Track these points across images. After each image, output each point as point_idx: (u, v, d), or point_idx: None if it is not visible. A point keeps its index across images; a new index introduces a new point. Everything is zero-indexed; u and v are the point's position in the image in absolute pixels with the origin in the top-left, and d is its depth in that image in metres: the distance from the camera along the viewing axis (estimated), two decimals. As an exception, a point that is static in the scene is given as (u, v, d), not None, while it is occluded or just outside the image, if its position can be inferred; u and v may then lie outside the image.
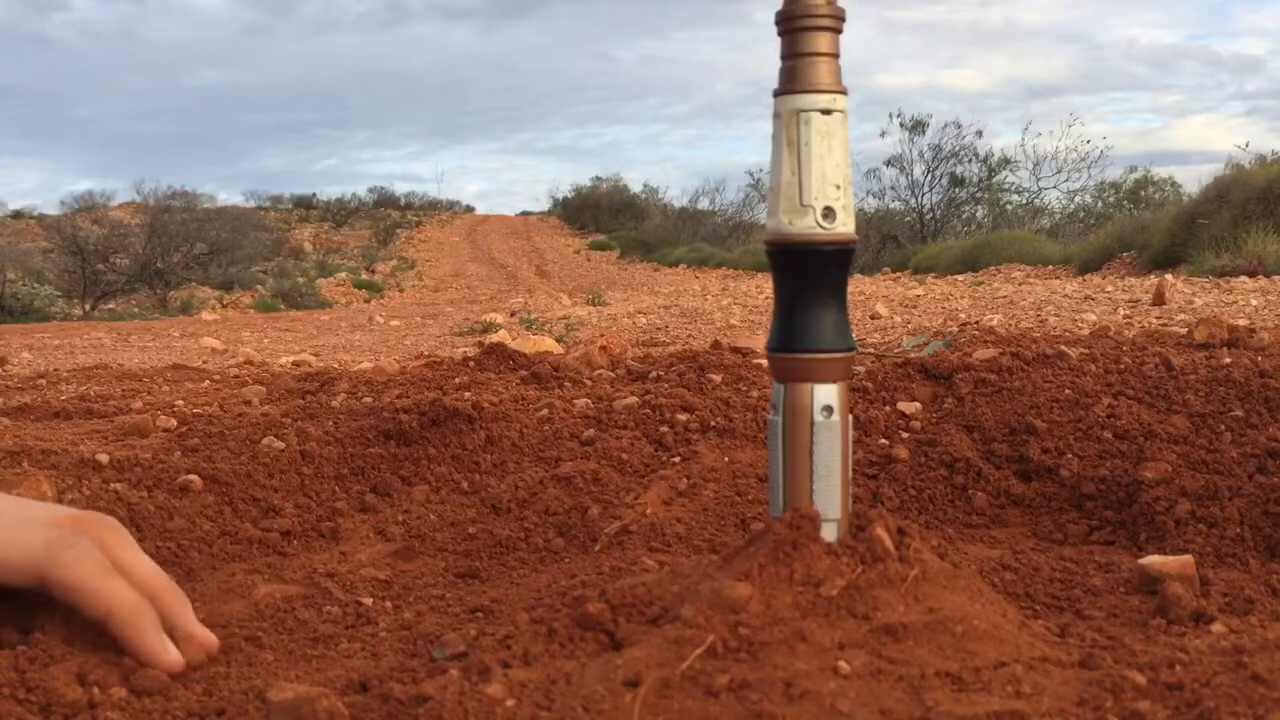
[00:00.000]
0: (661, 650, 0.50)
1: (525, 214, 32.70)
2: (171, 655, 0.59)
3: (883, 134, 16.86)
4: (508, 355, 1.73)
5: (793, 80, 0.57)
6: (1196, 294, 4.49)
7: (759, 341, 1.98)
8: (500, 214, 33.78)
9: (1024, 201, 16.66)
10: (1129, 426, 1.00)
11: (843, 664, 0.50)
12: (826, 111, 0.56)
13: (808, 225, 0.56)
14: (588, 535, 0.94)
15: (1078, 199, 16.36)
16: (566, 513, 0.98)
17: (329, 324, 6.79)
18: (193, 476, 0.98)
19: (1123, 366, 1.19)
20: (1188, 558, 0.76)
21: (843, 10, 0.57)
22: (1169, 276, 6.32)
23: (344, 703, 0.53)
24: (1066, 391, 1.10)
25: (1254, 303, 3.84)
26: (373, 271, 16.44)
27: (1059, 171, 16.22)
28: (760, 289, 8.00)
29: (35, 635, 0.63)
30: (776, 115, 0.58)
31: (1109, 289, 5.42)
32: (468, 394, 1.34)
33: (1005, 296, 5.15)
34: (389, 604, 0.79)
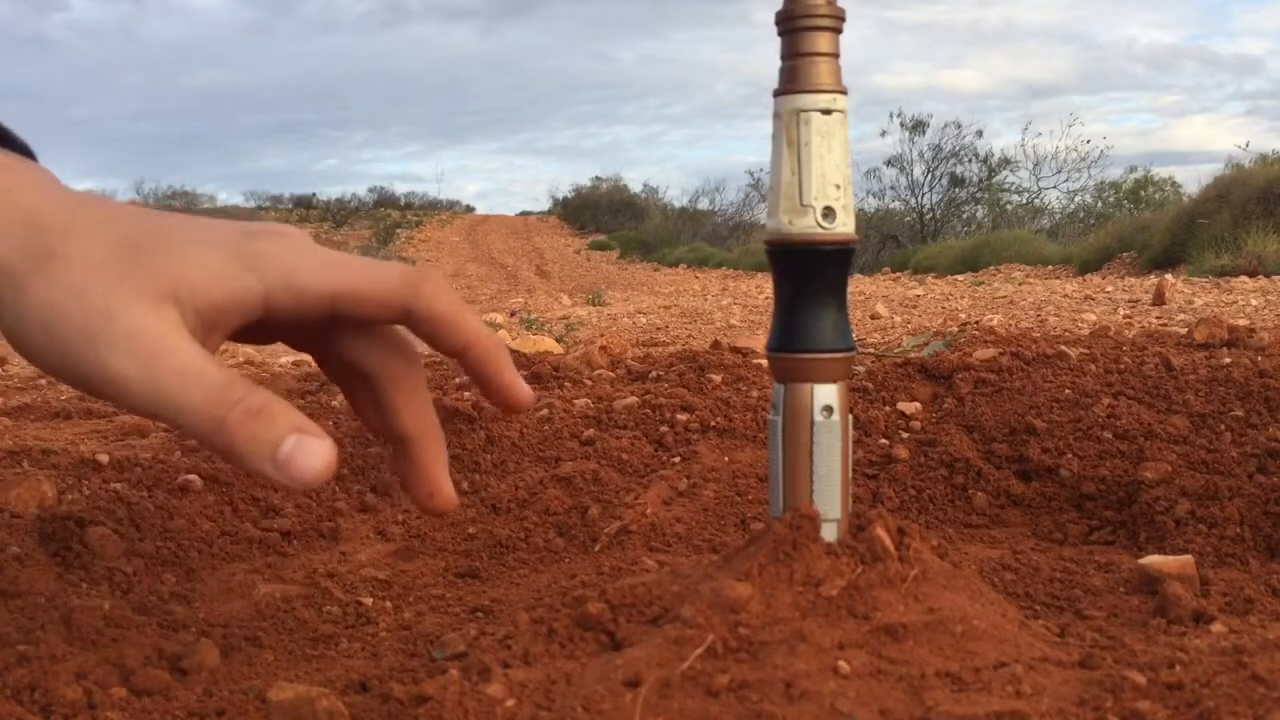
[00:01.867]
0: (661, 650, 0.51)
1: (525, 214, 32.70)
2: (526, 390, 0.56)
3: (883, 134, 16.89)
4: (508, 355, 1.73)
5: (793, 80, 0.57)
6: (1196, 294, 4.50)
7: (759, 341, 1.98)
8: (500, 214, 33.78)
9: (1024, 201, 16.68)
10: (1129, 426, 1.00)
11: (843, 664, 0.50)
12: (827, 111, 0.56)
13: (808, 225, 0.56)
14: (588, 535, 0.94)
15: (1078, 199, 16.38)
16: (566, 513, 0.98)
17: (329, 324, 6.77)
18: (193, 476, 0.98)
19: (1123, 366, 1.19)
20: (1188, 558, 0.76)
21: (843, 10, 0.57)
22: (1169, 276, 6.33)
23: (344, 703, 0.53)
24: (1066, 391, 1.10)
25: (1254, 303, 3.84)
26: (373, 271, 16.39)
27: (1059, 171, 16.24)
28: (760, 289, 8.01)
29: (35, 635, 0.64)
30: (776, 115, 0.58)
31: (1109, 289, 5.42)
32: (467, 394, 1.34)
33: (1005, 296, 5.16)
34: (389, 604, 0.79)
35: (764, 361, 1.38)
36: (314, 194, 31.25)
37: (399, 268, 0.54)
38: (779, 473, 0.58)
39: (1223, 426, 0.99)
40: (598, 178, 28.75)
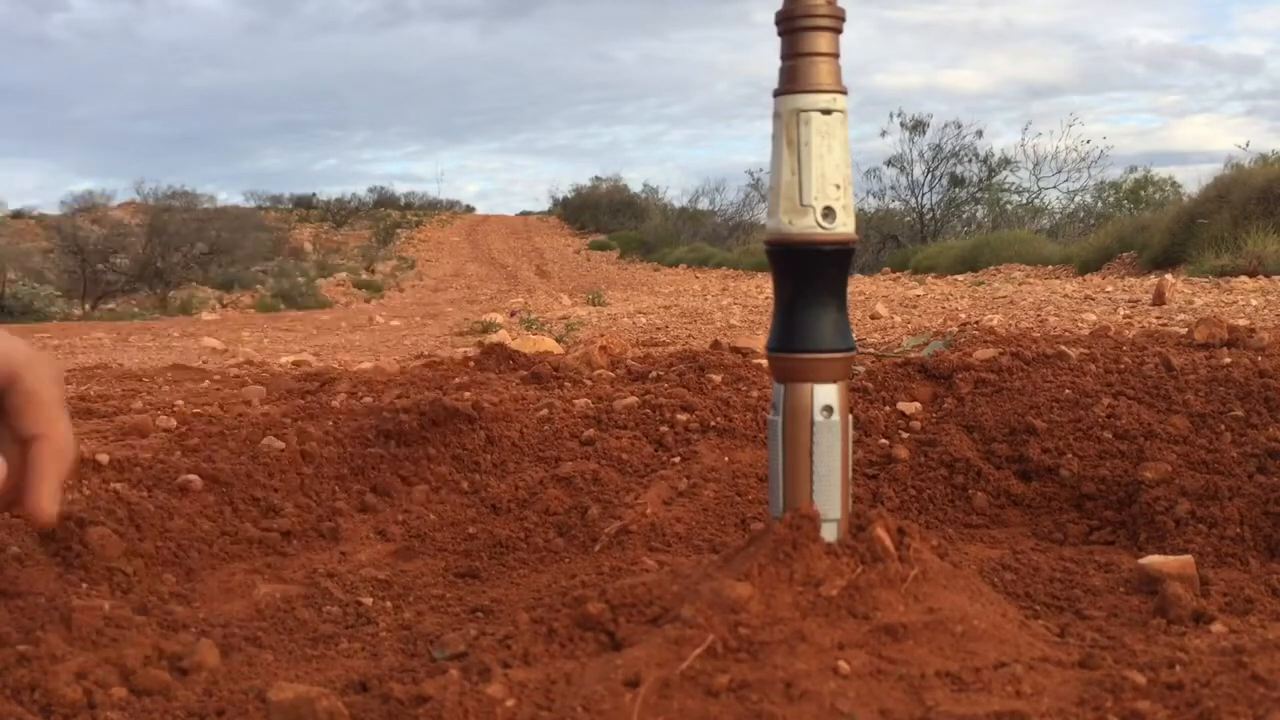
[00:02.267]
0: (661, 650, 0.51)
1: (525, 214, 32.67)
2: (52, 512, 0.58)
3: (883, 134, 16.85)
4: (508, 355, 1.73)
5: (793, 80, 0.57)
6: (1196, 294, 4.49)
7: (759, 341, 1.98)
8: (500, 214, 33.76)
9: (1024, 201, 16.66)
10: (1129, 426, 1.00)
11: (843, 664, 0.50)
12: (826, 111, 0.56)
13: (808, 225, 0.56)
14: (588, 535, 0.94)
15: (1078, 199, 16.35)
16: (566, 513, 0.98)
17: (329, 324, 6.79)
18: (193, 476, 0.98)
19: (1123, 366, 1.19)
20: (1188, 558, 0.76)
21: (843, 10, 0.57)
22: (1169, 276, 6.32)
23: (344, 703, 0.53)
24: (1066, 391, 1.10)
25: (1254, 303, 3.84)
26: (373, 271, 16.44)
27: (1059, 171, 16.21)
28: (760, 289, 8.00)
29: (35, 635, 0.64)
30: (776, 115, 0.58)
31: (1109, 289, 5.42)
32: (468, 394, 1.34)
33: (1005, 296, 5.16)
34: (389, 604, 0.79)
35: (764, 361, 1.38)
36: (314, 194, 31.24)
37: (27, 345, 0.57)
38: (779, 473, 0.58)
39: (1223, 426, 0.98)
40: (598, 178, 28.72)
